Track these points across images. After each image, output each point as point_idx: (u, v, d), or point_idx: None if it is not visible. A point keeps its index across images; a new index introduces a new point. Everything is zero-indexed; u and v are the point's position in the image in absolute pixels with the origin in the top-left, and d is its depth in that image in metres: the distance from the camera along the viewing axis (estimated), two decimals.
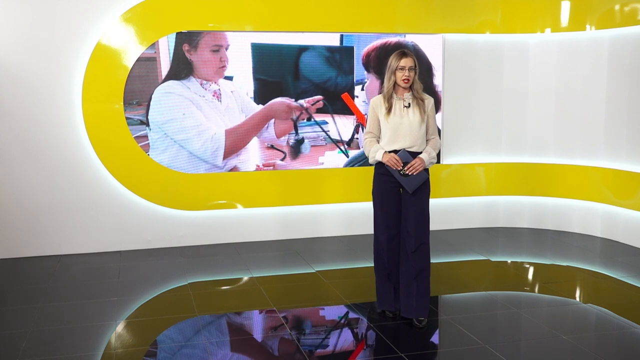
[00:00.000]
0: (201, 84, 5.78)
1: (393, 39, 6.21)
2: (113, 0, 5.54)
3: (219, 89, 5.83)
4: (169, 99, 5.75)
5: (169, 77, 5.73)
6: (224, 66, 5.85)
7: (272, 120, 6.04)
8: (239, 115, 5.95)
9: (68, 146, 5.62)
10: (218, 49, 5.80)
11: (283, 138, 6.09)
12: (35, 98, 5.49)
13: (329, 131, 6.19)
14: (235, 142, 5.96)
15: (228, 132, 5.92)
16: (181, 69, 5.74)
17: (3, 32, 5.36)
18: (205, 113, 5.84)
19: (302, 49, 6.04)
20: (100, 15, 5.52)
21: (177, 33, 5.68)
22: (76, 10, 5.47)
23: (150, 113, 5.72)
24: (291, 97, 6.07)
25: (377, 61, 6.19)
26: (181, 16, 5.69)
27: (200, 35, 5.74)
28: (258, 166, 6.07)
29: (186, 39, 5.71)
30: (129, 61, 5.62)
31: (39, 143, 5.56)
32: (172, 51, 5.71)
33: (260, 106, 6.00)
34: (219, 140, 5.90)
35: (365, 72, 6.22)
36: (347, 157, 6.28)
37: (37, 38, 5.43)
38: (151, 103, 5.72)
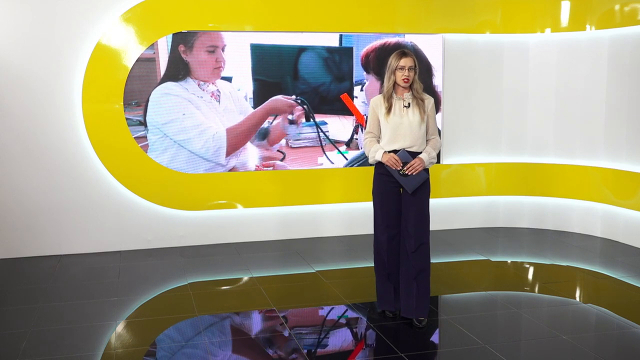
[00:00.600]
0: (198, 85, 5.78)
1: (392, 39, 6.21)
2: (113, 0, 5.54)
3: (217, 90, 5.83)
4: (168, 100, 5.74)
5: (166, 78, 5.72)
6: (220, 67, 5.84)
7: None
8: (238, 117, 5.95)
9: (68, 146, 5.62)
10: (214, 49, 5.79)
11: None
12: (35, 98, 5.50)
13: (328, 132, 6.19)
14: (237, 140, 5.96)
15: (229, 130, 5.92)
16: (178, 71, 5.73)
17: (3, 32, 5.36)
18: (204, 113, 5.84)
19: (302, 49, 6.04)
20: (100, 15, 5.52)
21: (173, 34, 5.68)
22: (76, 10, 5.47)
23: (148, 114, 5.72)
24: (290, 96, 6.07)
25: (377, 62, 6.19)
26: (181, 16, 5.69)
27: (196, 36, 5.74)
28: (258, 166, 6.07)
29: (182, 40, 5.71)
30: (129, 61, 5.63)
31: (39, 143, 5.56)
32: (170, 52, 5.70)
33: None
34: (220, 138, 5.90)
35: (365, 73, 6.21)
36: (347, 159, 6.28)
37: (37, 38, 5.43)
38: (149, 104, 5.71)
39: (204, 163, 5.91)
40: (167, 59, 5.70)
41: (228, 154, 5.94)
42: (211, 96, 5.81)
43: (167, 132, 5.77)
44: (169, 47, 5.70)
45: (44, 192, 5.62)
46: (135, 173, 5.77)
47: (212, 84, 5.82)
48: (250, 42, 5.90)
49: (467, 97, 6.53)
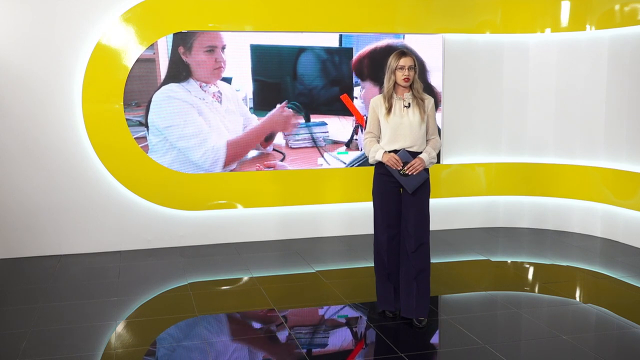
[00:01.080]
0: (200, 87, 5.78)
1: (382, 43, 6.19)
2: (113, 0, 5.54)
3: (218, 91, 5.83)
4: (171, 104, 5.73)
5: (169, 79, 5.71)
6: (221, 67, 5.83)
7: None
8: (239, 118, 5.94)
9: (68, 146, 5.62)
10: (212, 49, 5.79)
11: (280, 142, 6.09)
12: (35, 98, 5.50)
13: (327, 132, 6.19)
14: (236, 153, 5.96)
15: (229, 144, 5.92)
16: (180, 72, 5.73)
17: (3, 32, 5.36)
18: (206, 118, 5.82)
19: (301, 50, 6.04)
20: (100, 15, 5.53)
21: (173, 36, 5.67)
22: (76, 10, 5.48)
23: (150, 116, 5.71)
24: (290, 100, 6.05)
25: (371, 67, 6.17)
26: (181, 16, 5.69)
27: (194, 36, 5.73)
28: (258, 166, 6.07)
29: (181, 42, 5.71)
30: (129, 61, 5.63)
31: (39, 143, 5.56)
32: (170, 53, 5.70)
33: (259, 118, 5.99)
34: (219, 150, 5.89)
35: (360, 81, 6.19)
36: (345, 163, 6.27)
37: (37, 38, 5.43)
38: (151, 106, 5.71)
39: (200, 171, 5.92)
40: (167, 59, 5.70)
41: (226, 165, 5.94)
42: (212, 97, 5.81)
43: (167, 136, 5.76)
44: (169, 48, 5.69)
45: (44, 192, 5.62)
46: (135, 173, 5.77)
47: (214, 85, 5.81)
48: (250, 43, 5.90)
49: (467, 97, 6.53)
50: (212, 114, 5.84)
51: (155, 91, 5.70)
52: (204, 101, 5.79)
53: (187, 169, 5.88)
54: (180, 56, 5.71)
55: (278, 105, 6.03)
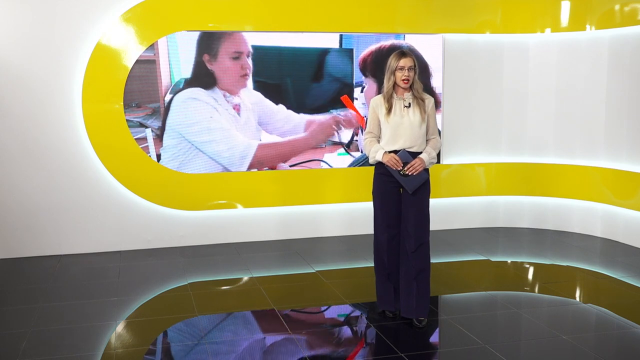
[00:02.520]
0: (224, 96, 5.77)
1: (387, 43, 6.19)
2: (113, 0, 5.54)
3: (240, 103, 5.82)
4: (194, 105, 5.73)
5: (192, 86, 5.73)
6: (246, 74, 5.83)
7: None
8: (256, 130, 5.93)
9: (68, 146, 5.62)
10: (238, 56, 5.78)
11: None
12: (35, 98, 5.50)
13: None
14: (265, 158, 5.98)
15: (260, 146, 5.94)
16: (203, 81, 5.73)
17: (3, 32, 5.36)
18: (224, 125, 5.83)
19: (302, 51, 6.03)
20: (100, 15, 5.53)
21: (197, 43, 5.67)
22: (76, 10, 5.48)
23: (168, 120, 5.71)
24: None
25: (374, 65, 6.17)
26: (181, 16, 5.69)
27: (220, 42, 5.72)
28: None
29: (206, 49, 5.70)
30: (129, 61, 5.63)
31: (39, 143, 5.56)
32: (194, 60, 5.70)
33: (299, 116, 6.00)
34: (249, 148, 5.90)
35: (364, 77, 6.20)
36: (353, 156, 6.28)
37: (37, 38, 5.43)
38: (171, 108, 5.70)
39: (220, 169, 5.92)
40: (167, 60, 5.69)
41: (251, 167, 5.95)
42: (233, 108, 5.80)
43: (187, 134, 5.74)
44: (171, 48, 5.69)
45: (44, 192, 5.62)
46: (135, 173, 5.77)
47: (237, 95, 5.80)
48: (250, 44, 5.89)
49: (467, 97, 6.53)
50: (230, 126, 5.83)
51: (177, 93, 5.70)
52: (226, 111, 5.79)
53: (212, 169, 5.89)
54: (205, 64, 5.70)
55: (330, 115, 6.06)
